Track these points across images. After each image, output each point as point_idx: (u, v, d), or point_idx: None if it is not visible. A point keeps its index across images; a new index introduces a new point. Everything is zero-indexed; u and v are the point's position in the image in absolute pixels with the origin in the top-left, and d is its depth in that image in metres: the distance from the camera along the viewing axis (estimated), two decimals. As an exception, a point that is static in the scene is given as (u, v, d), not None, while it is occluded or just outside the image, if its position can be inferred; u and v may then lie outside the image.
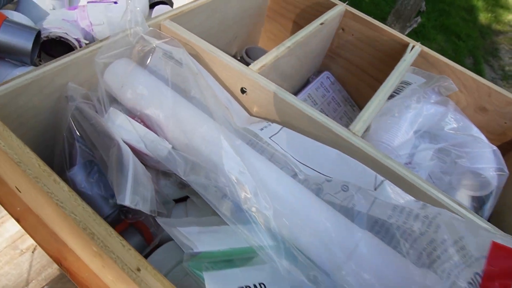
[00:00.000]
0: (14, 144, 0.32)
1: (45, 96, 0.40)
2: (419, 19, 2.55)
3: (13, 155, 0.31)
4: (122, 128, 0.37)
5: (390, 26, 2.22)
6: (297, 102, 0.42)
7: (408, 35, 2.23)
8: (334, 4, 0.63)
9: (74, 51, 0.41)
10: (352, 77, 0.71)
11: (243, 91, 0.46)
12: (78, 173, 0.39)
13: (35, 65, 0.53)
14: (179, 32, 0.47)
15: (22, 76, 0.37)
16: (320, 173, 0.34)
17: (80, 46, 0.55)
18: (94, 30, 0.60)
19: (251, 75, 0.44)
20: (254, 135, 0.37)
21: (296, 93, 0.67)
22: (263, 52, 0.73)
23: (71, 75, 0.41)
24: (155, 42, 0.43)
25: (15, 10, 0.62)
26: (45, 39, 0.52)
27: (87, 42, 0.57)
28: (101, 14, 0.59)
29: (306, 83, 0.70)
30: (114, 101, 0.44)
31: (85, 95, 0.42)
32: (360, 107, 0.73)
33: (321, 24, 0.57)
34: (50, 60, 0.56)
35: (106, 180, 0.38)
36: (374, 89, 0.69)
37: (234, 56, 0.72)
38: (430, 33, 3.01)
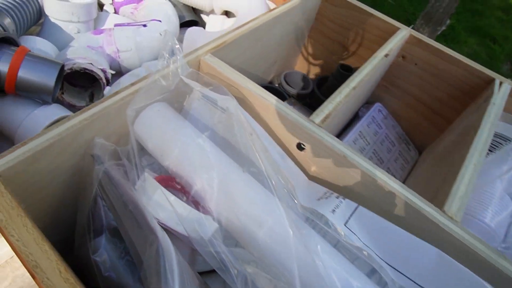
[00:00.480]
0: (30, 238, 0.24)
1: (69, 154, 0.32)
2: (448, 21, 2.41)
3: (28, 256, 0.24)
4: (159, 206, 0.30)
5: (418, 30, 2.11)
6: (371, 167, 0.34)
7: (436, 38, 2.10)
8: (397, 29, 0.54)
9: (102, 100, 0.34)
10: (410, 111, 0.62)
11: (300, 147, 0.38)
12: (103, 253, 0.32)
13: (57, 100, 0.46)
14: (222, 70, 0.39)
15: (42, 135, 0.30)
16: (417, 284, 0.26)
17: (106, 77, 0.48)
18: (121, 57, 0.52)
19: (313, 129, 0.36)
20: (324, 222, 0.29)
21: (343, 129, 0.58)
22: (303, 77, 0.65)
23: (98, 127, 0.33)
24: (198, 87, 0.35)
25: (39, 33, 0.55)
26: (68, 71, 0.44)
27: (113, 72, 0.49)
28: (129, 40, 0.52)
29: (354, 116, 0.62)
30: (147, 152, 0.37)
31: (113, 151, 0.34)
32: (417, 145, 0.64)
33: (386, 55, 0.49)
34: (73, 91, 0.50)
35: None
36: (437, 127, 0.60)
37: (271, 83, 0.64)
38: (461, 36, 2.86)
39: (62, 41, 0.53)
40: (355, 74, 0.44)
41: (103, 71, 0.48)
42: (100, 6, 0.63)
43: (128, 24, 0.53)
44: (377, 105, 0.62)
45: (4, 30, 0.44)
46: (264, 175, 0.29)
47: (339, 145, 0.35)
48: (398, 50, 0.56)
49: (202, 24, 0.68)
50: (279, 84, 0.61)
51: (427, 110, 0.60)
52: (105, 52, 0.52)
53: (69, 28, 0.54)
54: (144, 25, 0.53)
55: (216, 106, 0.35)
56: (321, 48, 0.65)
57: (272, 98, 0.38)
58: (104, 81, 0.47)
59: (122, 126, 0.36)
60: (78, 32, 0.55)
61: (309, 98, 0.62)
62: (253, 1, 0.57)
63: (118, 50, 0.52)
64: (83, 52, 0.48)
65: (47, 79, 0.40)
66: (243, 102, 0.39)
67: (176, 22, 0.57)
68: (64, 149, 0.31)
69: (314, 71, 0.69)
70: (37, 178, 0.31)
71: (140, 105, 0.34)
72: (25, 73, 0.39)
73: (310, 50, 0.67)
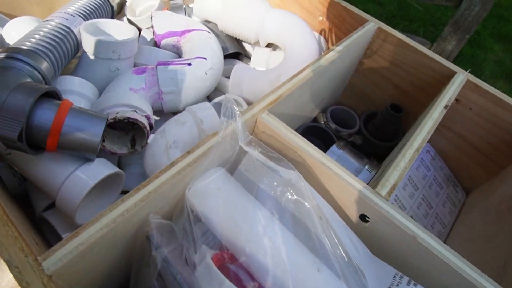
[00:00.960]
0: None
1: (122, 236, 0.31)
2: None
3: None
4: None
5: (446, 38, 2.05)
6: (446, 251, 0.31)
7: (463, 45, 2.03)
8: (454, 73, 0.51)
9: (158, 175, 0.32)
10: (459, 152, 0.58)
11: (365, 219, 0.35)
12: None
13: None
14: (281, 132, 0.37)
15: (95, 223, 0.28)
16: None
17: (150, 123, 0.46)
18: (164, 98, 0.50)
19: (379, 204, 0.34)
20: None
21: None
22: (349, 114, 0.62)
23: (153, 205, 0.32)
24: (260, 158, 0.33)
25: (76, 68, 0.53)
26: (111, 121, 0.42)
27: (157, 118, 0.47)
28: (173, 81, 0.49)
29: (402, 156, 0.59)
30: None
31: (169, 229, 0.32)
32: (464, 186, 0.61)
33: (445, 107, 0.45)
34: (113, 136, 0.47)
35: None
36: (489, 171, 0.57)
37: (316, 120, 0.61)
38: (487, 42, 2.77)
39: (101, 79, 0.51)
40: (417, 132, 0.41)
41: (147, 117, 0.46)
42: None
43: (172, 63, 0.50)
44: (426, 146, 0.58)
45: (42, 77, 0.42)
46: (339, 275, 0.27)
47: (409, 223, 0.33)
48: (457, 93, 0.53)
49: (245, 54, 0.65)
50: (324, 122, 0.58)
51: (477, 154, 0.57)
52: (148, 94, 0.50)
53: (109, 66, 0.52)
54: (189, 64, 0.50)
55: (280, 183, 0.33)
56: (369, 83, 0.62)
57: (337, 168, 0.35)
58: (148, 128, 0.45)
59: (177, 198, 0.34)
60: (118, 70, 0.53)
61: (356, 136, 0.59)
62: (303, 37, 0.54)
63: (161, 91, 0.50)
64: (125, 98, 0.46)
65: (92, 137, 0.37)
66: (302, 165, 0.37)
67: (221, 58, 0.54)
68: (117, 233, 0.30)
69: (359, 106, 0.66)
70: (89, 269, 0.29)
71: (200, 183, 0.32)
72: (69, 132, 0.37)
73: (357, 84, 0.64)
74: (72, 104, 0.38)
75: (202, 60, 0.51)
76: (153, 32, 0.57)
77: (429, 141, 0.59)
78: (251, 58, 0.60)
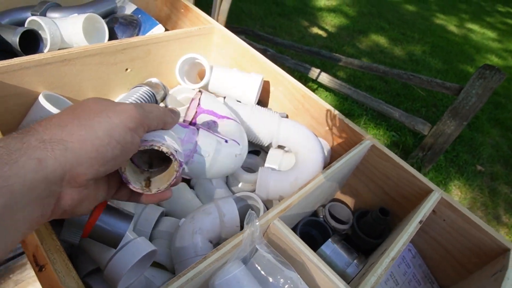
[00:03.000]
0: None
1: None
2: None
3: None
4: None
5: (445, 122, 2.20)
6: None
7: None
8: (431, 190, 0.63)
9: (189, 269, 0.42)
10: (436, 255, 0.69)
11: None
12: None
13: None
14: (288, 237, 0.48)
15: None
16: None
17: (180, 168, 0.44)
18: (194, 158, 0.52)
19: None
20: None
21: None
22: (345, 210, 0.73)
23: (188, 290, 0.42)
24: (271, 259, 0.44)
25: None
26: (156, 149, 0.41)
27: (187, 171, 0.52)
28: (210, 146, 0.53)
29: (386, 252, 0.69)
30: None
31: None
32: (440, 284, 0.71)
33: (420, 222, 0.57)
34: (130, 167, 0.54)
35: None
36: (460, 274, 0.67)
37: (315, 213, 0.72)
38: (484, 126, 2.95)
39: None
40: (393, 244, 0.52)
41: (181, 164, 0.44)
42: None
43: (213, 133, 0.58)
44: (408, 245, 0.69)
45: None
46: None
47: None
48: (432, 208, 0.64)
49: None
50: (323, 216, 0.69)
51: (450, 258, 0.67)
52: (182, 146, 0.51)
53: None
54: (226, 141, 0.57)
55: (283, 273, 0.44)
56: (362, 185, 0.74)
57: (328, 271, 0.46)
58: (177, 176, 0.43)
59: (202, 286, 0.45)
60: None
61: (349, 231, 0.70)
62: (310, 143, 0.66)
63: (196, 151, 0.52)
64: (171, 138, 0.46)
65: (117, 234, 0.46)
66: (301, 266, 0.48)
67: (246, 150, 0.62)
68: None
69: (353, 202, 0.78)
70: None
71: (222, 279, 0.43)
72: (100, 226, 0.45)
73: (353, 184, 0.76)
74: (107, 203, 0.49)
75: (236, 144, 0.59)
76: (197, 103, 0.64)
77: (411, 241, 0.70)
78: (267, 156, 0.73)
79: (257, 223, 0.45)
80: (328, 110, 0.74)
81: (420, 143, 2.33)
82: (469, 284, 0.64)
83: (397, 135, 2.61)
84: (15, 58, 0.63)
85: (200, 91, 0.71)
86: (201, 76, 0.99)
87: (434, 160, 2.30)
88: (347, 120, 0.72)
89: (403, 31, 4.24)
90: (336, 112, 0.73)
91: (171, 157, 0.42)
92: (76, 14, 0.82)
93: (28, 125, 0.70)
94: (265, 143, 0.71)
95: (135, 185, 0.43)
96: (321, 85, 2.85)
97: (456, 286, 0.68)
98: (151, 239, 0.63)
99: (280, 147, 0.75)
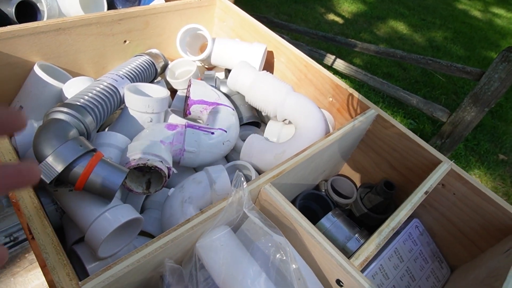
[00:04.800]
0: None
1: (142, 274, 0.39)
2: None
3: None
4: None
5: (465, 109, 2.11)
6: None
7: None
8: (439, 161, 0.59)
9: (176, 227, 0.40)
10: (445, 232, 0.64)
11: (339, 284, 0.42)
12: None
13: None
14: (279, 203, 0.45)
15: (123, 261, 0.36)
16: None
17: (169, 174, 0.53)
18: (184, 155, 0.59)
19: (351, 271, 0.40)
20: None
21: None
22: (348, 185, 0.70)
23: (169, 251, 0.40)
24: (258, 224, 0.41)
25: (117, 119, 0.65)
26: (141, 165, 0.51)
27: (175, 171, 0.56)
28: (195, 142, 0.59)
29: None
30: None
31: (179, 272, 0.40)
32: (449, 263, 0.66)
33: (426, 193, 0.53)
34: (132, 175, 0.56)
35: None
36: (471, 253, 0.62)
37: (317, 188, 0.69)
38: (508, 114, 2.81)
39: (136, 127, 0.62)
40: (396, 213, 0.48)
41: (168, 168, 0.54)
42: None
43: (199, 128, 0.61)
44: (415, 221, 0.65)
45: (86, 129, 0.53)
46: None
47: (375, 293, 0.39)
48: (439, 180, 0.60)
49: (262, 121, 0.75)
50: (325, 190, 0.66)
51: (461, 235, 0.62)
52: (173, 148, 0.59)
53: (143, 117, 0.63)
54: (212, 133, 0.60)
55: (272, 246, 0.41)
56: (368, 159, 0.70)
57: (320, 237, 0.43)
58: (167, 178, 0.53)
59: (188, 247, 0.42)
60: (151, 121, 0.63)
61: (353, 206, 0.66)
62: (313, 122, 0.62)
63: (184, 149, 0.59)
64: (156, 149, 0.54)
65: (112, 186, 0.46)
66: (293, 232, 0.45)
67: (237, 132, 0.65)
68: (139, 271, 0.38)
69: (358, 177, 0.74)
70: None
71: (209, 238, 0.40)
72: (94, 179, 0.46)
73: (358, 159, 0.72)
74: (103, 156, 0.48)
75: (223, 132, 0.62)
76: (188, 96, 0.68)
77: (419, 218, 0.66)
78: (266, 128, 0.70)
79: (246, 186, 0.42)
80: (331, 80, 0.70)
81: (439, 130, 2.24)
82: (480, 261, 0.59)
83: (415, 122, 2.52)
84: (7, 26, 0.62)
85: (190, 80, 0.69)
86: (203, 49, 0.96)
87: (453, 148, 2.21)
88: (351, 90, 0.68)
89: (423, 17, 4.09)
90: (340, 82, 0.69)
91: (157, 169, 0.51)
92: (73, -15, 0.81)
93: (25, 96, 0.69)
94: (271, 114, 0.68)
95: (137, 190, 0.53)
96: (336, 72, 2.78)
97: (466, 265, 0.64)
98: (142, 209, 0.61)
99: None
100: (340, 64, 2.60)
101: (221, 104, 0.67)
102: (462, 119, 2.08)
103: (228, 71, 0.85)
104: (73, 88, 0.66)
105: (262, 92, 0.67)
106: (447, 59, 3.37)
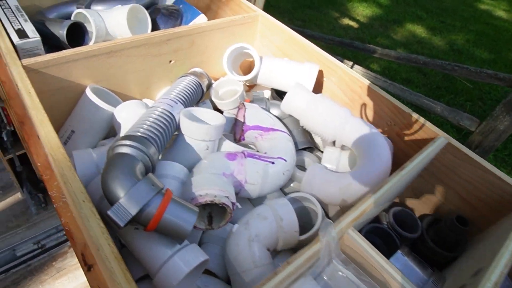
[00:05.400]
0: None
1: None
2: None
3: None
4: None
5: (497, 117, 2.04)
6: None
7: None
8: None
9: (263, 283, 0.37)
10: None
11: None
12: None
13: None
14: (367, 252, 0.42)
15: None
16: None
17: (233, 209, 0.51)
18: (246, 188, 0.56)
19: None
20: None
21: None
22: (412, 217, 0.66)
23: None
24: (352, 278, 0.38)
25: (172, 146, 0.61)
26: (209, 202, 0.48)
27: (240, 207, 0.53)
28: (257, 175, 0.56)
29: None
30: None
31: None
32: None
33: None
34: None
35: None
36: None
37: (378, 219, 0.65)
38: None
39: (193, 156, 0.59)
40: (494, 265, 0.44)
41: (233, 204, 0.51)
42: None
43: (259, 158, 0.57)
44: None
45: (150, 161, 0.50)
46: None
47: None
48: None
49: (314, 146, 0.71)
50: (387, 222, 0.62)
51: None
52: (234, 179, 0.56)
53: (200, 145, 0.60)
54: (272, 163, 0.57)
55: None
56: (430, 187, 0.66)
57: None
58: (232, 215, 0.50)
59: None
60: (207, 149, 0.61)
61: (419, 242, 0.62)
62: (377, 151, 0.58)
63: (246, 181, 0.56)
64: (220, 183, 0.51)
65: (184, 227, 0.44)
66: (383, 284, 0.41)
67: (295, 159, 0.62)
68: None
69: (418, 206, 0.70)
70: None
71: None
72: (167, 220, 0.43)
73: (418, 186, 0.68)
74: (172, 194, 0.45)
75: (283, 161, 0.58)
76: (242, 122, 0.65)
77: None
78: (323, 154, 0.66)
79: (334, 234, 0.39)
80: (390, 103, 0.67)
81: (466, 140, 2.17)
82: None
83: (439, 131, 2.46)
84: (63, 51, 0.60)
85: (243, 104, 0.66)
86: (243, 67, 0.93)
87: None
88: (415, 115, 0.64)
89: (442, 19, 4.01)
90: (401, 104, 0.66)
91: (224, 206, 0.49)
92: (119, 6, 0.78)
93: (77, 120, 0.66)
94: (328, 140, 0.65)
95: (200, 226, 0.51)
96: (356, 78, 2.73)
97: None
98: (200, 243, 0.58)
99: (343, 147, 0.68)
100: (357, 70, 2.55)
101: (277, 130, 0.64)
102: (494, 128, 2.01)
103: (275, 91, 0.82)
104: (124, 112, 0.63)
105: (320, 116, 0.64)
106: (470, 63, 3.29)
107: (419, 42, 3.55)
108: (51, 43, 0.70)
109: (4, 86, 0.58)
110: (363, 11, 3.93)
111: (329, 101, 0.65)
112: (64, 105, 0.65)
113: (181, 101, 0.64)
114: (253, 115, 0.64)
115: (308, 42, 0.80)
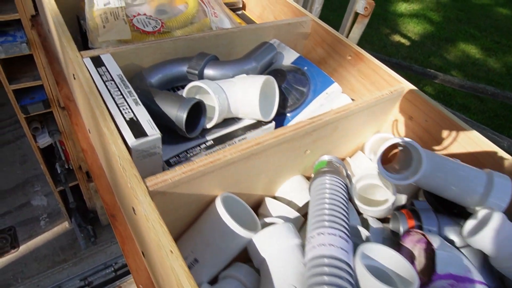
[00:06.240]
0: None
1: None
2: None
3: None
4: None
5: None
6: None
7: None
8: None
9: None
10: None
11: None
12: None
13: None
14: None
15: None
16: None
17: None
18: None
19: None
20: None
21: None
22: None
23: None
24: None
25: None
26: None
27: None
28: None
29: None
30: None
31: None
32: None
33: None
34: None
35: None
36: None
37: None
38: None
39: None
40: None
41: None
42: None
43: None
44: None
45: None
46: None
47: None
48: None
49: None
50: None
51: None
52: None
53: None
54: None
55: None
56: None
57: None
58: None
59: None
60: None
61: None
62: None
63: None
64: None
65: None
66: None
67: None
68: None
69: None
70: None
71: None
72: None
73: None
74: None
75: None
76: (429, 266, 0.49)
77: None
78: None
79: None
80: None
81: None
82: None
83: (506, 170, 2.26)
84: (195, 161, 0.44)
85: (424, 235, 0.50)
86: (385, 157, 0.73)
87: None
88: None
89: (497, 39, 3.76)
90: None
91: None
92: (244, 76, 0.63)
93: (203, 246, 0.50)
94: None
95: None
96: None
97: None
98: None
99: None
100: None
101: (476, 281, 0.47)
102: None
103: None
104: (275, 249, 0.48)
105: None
106: (530, 88, 3.06)
107: (474, 64, 3.33)
108: (157, 122, 0.55)
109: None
110: (414, 28, 3.72)
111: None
112: (186, 218, 0.50)
113: (348, 236, 0.47)
114: (445, 259, 0.47)
115: (471, 130, 0.62)
